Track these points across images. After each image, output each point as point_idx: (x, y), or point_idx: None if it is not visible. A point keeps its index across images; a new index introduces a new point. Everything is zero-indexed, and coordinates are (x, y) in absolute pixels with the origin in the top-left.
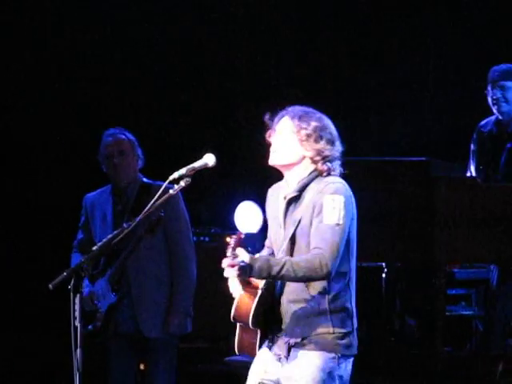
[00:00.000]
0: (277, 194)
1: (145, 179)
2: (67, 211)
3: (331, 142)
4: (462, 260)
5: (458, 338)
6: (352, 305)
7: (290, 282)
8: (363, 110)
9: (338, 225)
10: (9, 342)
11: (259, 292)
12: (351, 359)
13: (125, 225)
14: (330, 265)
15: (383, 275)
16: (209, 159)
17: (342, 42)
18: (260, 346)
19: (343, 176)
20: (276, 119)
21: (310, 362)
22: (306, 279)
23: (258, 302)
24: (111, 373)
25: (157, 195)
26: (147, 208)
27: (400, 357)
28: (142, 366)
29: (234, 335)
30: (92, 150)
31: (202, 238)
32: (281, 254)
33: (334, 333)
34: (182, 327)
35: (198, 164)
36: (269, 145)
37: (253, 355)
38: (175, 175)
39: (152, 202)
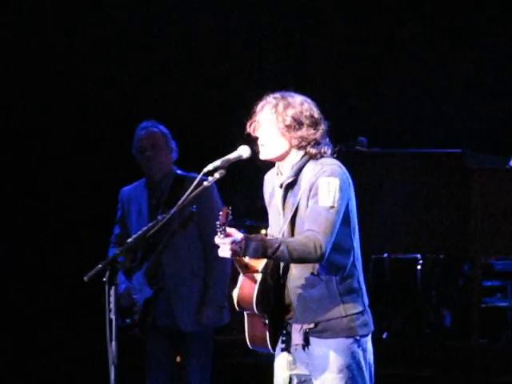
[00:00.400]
0: (271, 183)
1: (179, 171)
2: (104, 205)
3: (314, 125)
4: (498, 251)
5: (494, 329)
6: (360, 284)
7: (283, 262)
8: (399, 100)
9: (332, 207)
10: (45, 335)
11: (260, 275)
12: (369, 336)
13: (159, 217)
14: (323, 247)
15: (418, 267)
16: (243, 151)
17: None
18: (271, 336)
19: (337, 156)
20: (257, 110)
21: (333, 350)
22: (301, 261)
23: (260, 285)
24: (148, 365)
25: (191, 187)
26: (181, 200)
27: (435, 348)
28: (178, 359)
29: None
30: (127, 143)
31: None
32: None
33: (347, 315)
34: (216, 319)
35: (232, 156)
36: (255, 138)
37: (265, 347)
38: (210, 167)
39: (186, 194)
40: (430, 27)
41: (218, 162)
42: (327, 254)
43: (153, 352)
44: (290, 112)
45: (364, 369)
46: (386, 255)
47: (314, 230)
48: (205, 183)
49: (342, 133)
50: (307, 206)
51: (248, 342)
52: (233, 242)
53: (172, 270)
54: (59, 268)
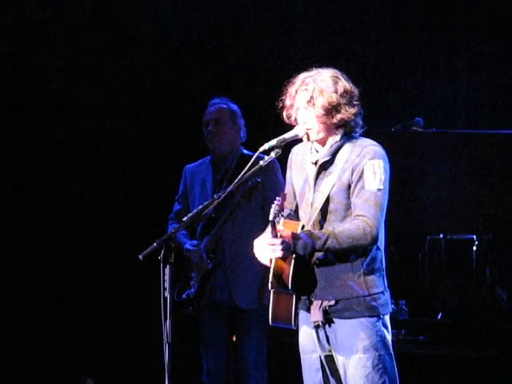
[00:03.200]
0: (302, 158)
1: (245, 151)
2: (162, 182)
3: (350, 101)
4: None
5: None
6: (383, 264)
7: (334, 252)
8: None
9: (379, 190)
10: (99, 314)
11: (294, 254)
12: (388, 315)
13: (215, 196)
14: (374, 232)
15: (474, 247)
16: (299, 130)
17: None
18: (296, 312)
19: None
20: (291, 94)
21: (357, 330)
22: (352, 249)
23: (295, 264)
24: (204, 344)
25: (247, 166)
26: (238, 179)
27: (490, 329)
28: (233, 338)
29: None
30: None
31: None
32: (309, 215)
33: (369, 295)
34: None
35: (288, 135)
36: (288, 118)
37: (288, 322)
38: (266, 146)
39: (243, 172)
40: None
41: (273, 142)
42: (378, 237)
43: (208, 330)
44: (326, 98)
45: (390, 347)
46: (441, 236)
47: (365, 215)
48: (261, 162)
49: (399, 113)
50: (348, 185)
51: (270, 319)
52: (283, 243)
53: (232, 245)
54: (112, 246)
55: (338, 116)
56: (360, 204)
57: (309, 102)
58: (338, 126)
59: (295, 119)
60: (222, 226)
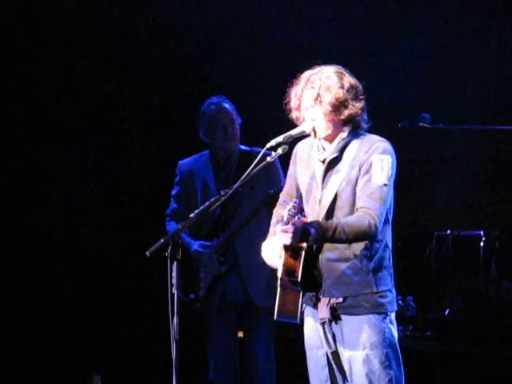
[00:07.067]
0: (308, 154)
1: (242, 146)
2: (167, 177)
3: (356, 96)
4: None
5: None
6: (390, 262)
7: (339, 244)
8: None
9: (385, 185)
10: (106, 311)
11: (303, 250)
12: (394, 313)
13: (222, 192)
14: (377, 224)
15: (481, 244)
16: (306, 127)
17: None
18: (302, 307)
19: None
20: (297, 93)
21: (365, 327)
22: (356, 240)
23: (305, 260)
24: (212, 341)
25: (254, 162)
26: (244, 176)
27: (497, 324)
28: (240, 334)
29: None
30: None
31: None
32: (317, 212)
33: (377, 292)
34: None
35: (295, 132)
36: (297, 119)
37: (294, 318)
38: (272, 142)
39: (249, 169)
40: None
41: (280, 138)
42: (380, 231)
43: (217, 328)
44: (333, 94)
45: (397, 344)
46: (448, 232)
47: (369, 207)
48: (268, 158)
49: (406, 109)
50: (355, 182)
51: (275, 314)
52: (294, 229)
53: (244, 248)
54: (120, 242)
55: (346, 112)
56: (365, 197)
57: (316, 99)
58: (345, 122)
59: (303, 119)
60: (236, 232)
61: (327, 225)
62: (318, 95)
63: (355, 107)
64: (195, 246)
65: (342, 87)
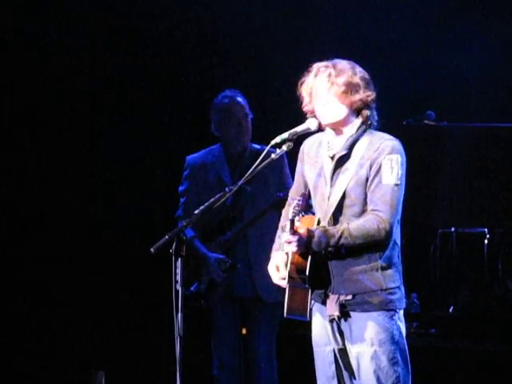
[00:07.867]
0: (315, 151)
1: (254, 145)
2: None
3: (369, 86)
4: None
5: None
6: (399, 259)
7: (348, 249)
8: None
9: (396, 185)
10: (110, 307)
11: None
12: (403, 310)
13: (227, 189)
14: (388, 227)
15: (485, 241)
16: (311, 123)
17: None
18: (310, 304)
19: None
20: (309, 80)
21: (373, 324)
22: (366, 245)
23: (312, 258)
24: (217, 338)
25: (259, 159)
26: (249, 172)
27: (501, 322)
28: (244, 331)
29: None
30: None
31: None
32: (325, 210)
33: (386, 289)
34: None
35: (300, 128)
36: (310, 111)
37: (304, 315)
38: (277, 139)
39: (254, 166)
40: None
41: (285, 135)
42: (393, 232)
43: (221, 323)
44: (345, 77)
45: (405, 341)
46: (452, 229)
47: (381, 210)
48: (272, 155)
49: (411, 106)
50: (365, 179)
51: (285, 311)
52: (298, 240)
53: (255, 242)
54: (124, 239)
55: (357, 96)
56: (376, 199)
57: (328, 80)
58: (355, 113)
59: (313, 109)
60: (243, 230)
61: (333, 231)
62: (331, 75)
63: (366, 94)
64: (212, 260)
65: (355, 74)
